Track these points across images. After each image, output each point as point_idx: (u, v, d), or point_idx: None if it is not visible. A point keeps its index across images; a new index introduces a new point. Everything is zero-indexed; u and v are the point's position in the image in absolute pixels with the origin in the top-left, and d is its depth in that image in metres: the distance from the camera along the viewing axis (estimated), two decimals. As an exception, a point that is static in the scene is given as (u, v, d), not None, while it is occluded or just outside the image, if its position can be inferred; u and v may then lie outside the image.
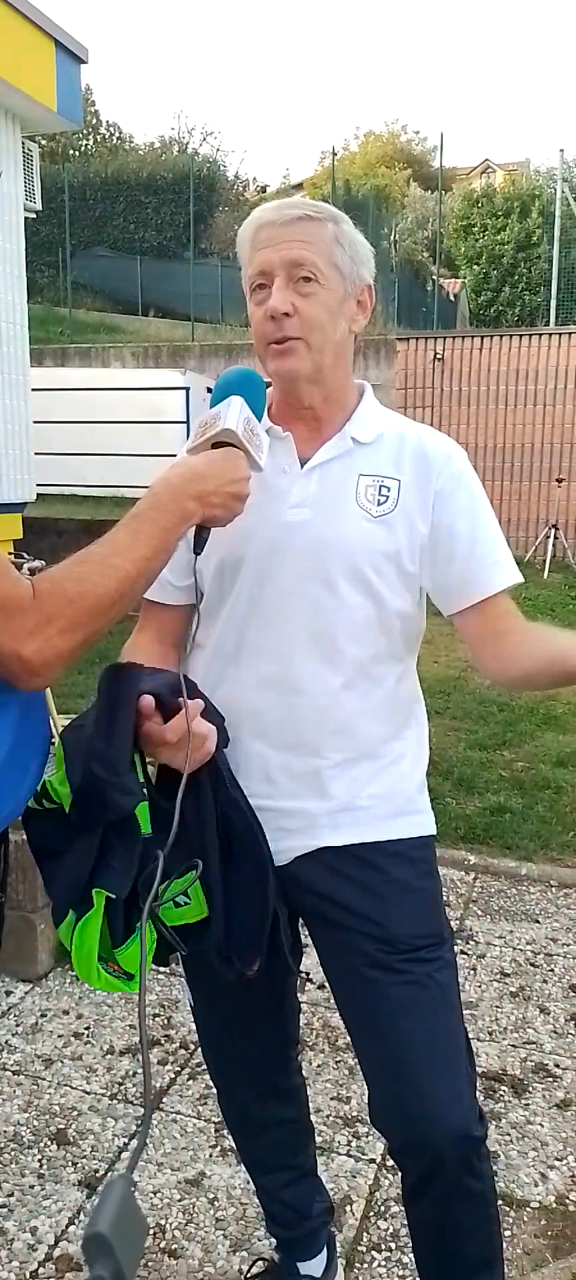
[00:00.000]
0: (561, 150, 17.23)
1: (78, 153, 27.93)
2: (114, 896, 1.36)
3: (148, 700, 1.36)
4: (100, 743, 1.36)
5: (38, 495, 7.95)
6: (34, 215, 7.79)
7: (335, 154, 21.68)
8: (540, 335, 12.47)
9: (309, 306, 1.49)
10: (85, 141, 28.87)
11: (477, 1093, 1.64)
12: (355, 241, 1.54)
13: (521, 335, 12.56)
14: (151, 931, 1.44)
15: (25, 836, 1.46)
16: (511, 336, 12.58)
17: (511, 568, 1.60)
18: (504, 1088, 2.68)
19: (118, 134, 30.78)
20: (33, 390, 7.67)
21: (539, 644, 1.57)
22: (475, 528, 1.57)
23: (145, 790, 1.40)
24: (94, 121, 29.55)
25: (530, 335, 12.51)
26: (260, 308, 1.52)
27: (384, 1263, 2.11)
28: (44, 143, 17.21)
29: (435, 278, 19.16)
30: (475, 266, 21.48)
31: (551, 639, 1.57)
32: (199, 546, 1.46)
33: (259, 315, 1.53)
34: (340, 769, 1.56)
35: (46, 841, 1.44)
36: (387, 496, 1.54)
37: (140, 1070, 2.72)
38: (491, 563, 1.58)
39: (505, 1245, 2.05)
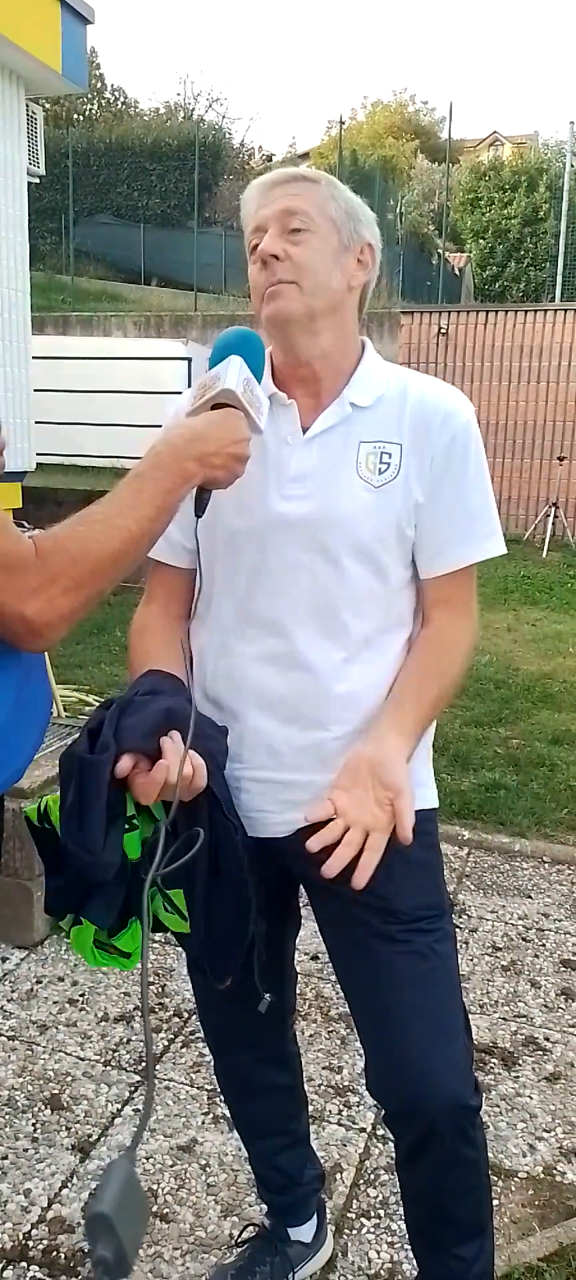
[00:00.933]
0: (571, 123, 17.08)
1: (82, 117, 27.66)
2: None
3: (123, 765, 1.32)
4: (74, 829, 1.34)
5: (37, 465, 7.92)
6: (37, 180, 7.72)
7: (342, 123, 21.42)
8: (545, 311, 12.40)
9: (301, 251, 1.48)
10: (90, 106, 28.59)
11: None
12: (351, 201, 1.53)
13: (526, 311, 12.49)
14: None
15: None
16: (516, 312, 12.51)
17: (486, 543, 1.56)
18: (494, 1060, 2.71)
19: (123, 99, 30.52)
20: (33, 358, 7.63)
21: (404, 668, 1.56)
22: (456, 498, 1.53)
23: (137, 822, 1.38)
24: (99, 85, 29.25)
25: (535, 311, 12.44)
26: (256, 264, 1.51)
27: (373, 1229, 2.14)
28: (48, 106, 17.07)
29: (440, 251, 19.04)
30: (481, 240, 21.33)
31: (402, 680, 1.55)
32: (200, 509, 1.44)
33: (255, 271, 1.52)
34: (343, 741, 1.55)
35: (46, 853, 1.46)
36: (389, 464, 1.51)
37: (134, 1037, 2.75)
38: (459, 538, 1.54)
39: (493, 1214, 2.08)
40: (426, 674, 1.55)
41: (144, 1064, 2.61)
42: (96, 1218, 0.80)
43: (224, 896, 1.49)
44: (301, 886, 1.75)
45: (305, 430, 1.55)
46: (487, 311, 12.81)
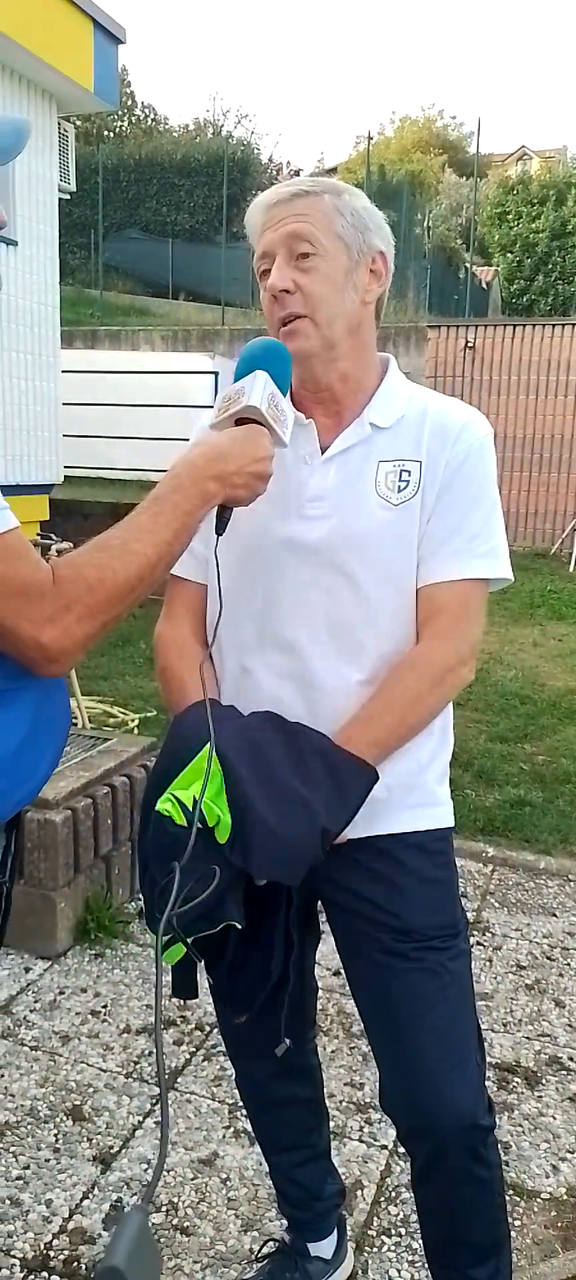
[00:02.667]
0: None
1: (112, 134, 27.93)
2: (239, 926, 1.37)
3: None
4: (323, 810, 1.39)
5: (65, 477, 7.98)
6: (68, 196, 7.82)
7: (370, 138, 21.54)
8: (573, 325, 12.33)
9: (311, 281, 1.46)
10: (120, 123, 28.86)
11: (488, 1082, 1.65)
12: (358, 210, 1.49)
13: (554, 325, 12.43)
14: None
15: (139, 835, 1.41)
16: (544, 326, 12.45)
17: (479, 561, 1.50)
18: (517, 1079, 2.69)
19: (153, 116, 30.79)
20: (62, 372, 7.71)
21: (382, 683, 1.50)
22: (456, 509, 1.49)
23: None
24: (129, 103, 29.53)
25: (563, 325, 12.38)
26: (267, 292, 1.50)
27: (394, 1248, 2.13)
28: (79, 123, 17.25)
29: (468, 265, 19.02)
30: (509, 254, 21.31)
31: (377, 695, 1.49)
32: (221, 527, 1.42)
33: (267, 299, 1.51)
34: None
35: (169, 854, 1.28)
36: (408, 481, 1.49)
37: (156, 1049, 2.75)
38: (452, 551, 1.49)
39: (515, 1236, 2.06)
40: (388, 699, 1.49)
41: (165, 1077, 2.61)
42: (109, 1271, 0.79)
43: (262, 934, 1.49)
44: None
45: (324, 449, 1.54)
46: (515, 325, 12.74)
